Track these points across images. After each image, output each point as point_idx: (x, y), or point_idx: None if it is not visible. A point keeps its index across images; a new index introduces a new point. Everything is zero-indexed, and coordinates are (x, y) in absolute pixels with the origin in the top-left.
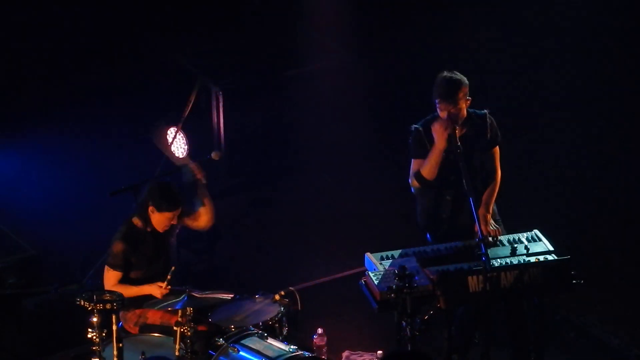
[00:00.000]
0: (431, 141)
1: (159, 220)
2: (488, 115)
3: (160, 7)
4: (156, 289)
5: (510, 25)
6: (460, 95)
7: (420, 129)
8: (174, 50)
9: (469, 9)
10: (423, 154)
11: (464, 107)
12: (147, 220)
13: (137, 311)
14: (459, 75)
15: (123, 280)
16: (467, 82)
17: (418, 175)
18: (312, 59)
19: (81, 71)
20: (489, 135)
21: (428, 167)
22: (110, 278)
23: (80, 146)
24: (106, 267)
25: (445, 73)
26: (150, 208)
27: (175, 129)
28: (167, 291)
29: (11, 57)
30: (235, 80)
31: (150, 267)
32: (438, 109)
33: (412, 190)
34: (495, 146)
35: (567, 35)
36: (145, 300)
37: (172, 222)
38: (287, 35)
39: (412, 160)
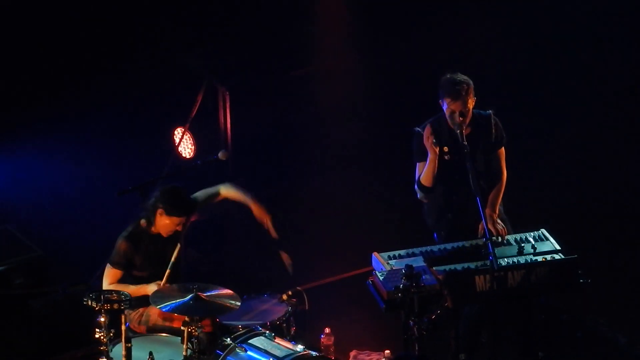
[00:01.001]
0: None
1: (165, 224)
2: (492, 116)
3: (167, 7)
4: (154, 288)
5: (515, 25)
6: (470, 95)
7: (422, 132)
8: (181, 50)
9: (473, 10)
10: (425, 158)
11: (471, 106)
12: (151, 222)
13: (140, 310)
14: (463, 76)
15: (124, 279)
16: (471, 82)
17: (420, 185)
18: (318, 59)
19: (88, 71)
20: (493, 136)
21: (424, 175)
22: (110, 276)
23: (88, 146)
24: (107, 265)
25: (449, 74)
26: (160, 211)
27: (183, 129)
28: (165, 288)
29: (17, 57)
30: (242, 80)
31: (155, 269)
32: (446, 109)
33: (418, 196)
34: (501, 147)
35: (572, 33)
36: (146, 299)
37: (177, 228)
38: (294, 36)
39: (417, 164)
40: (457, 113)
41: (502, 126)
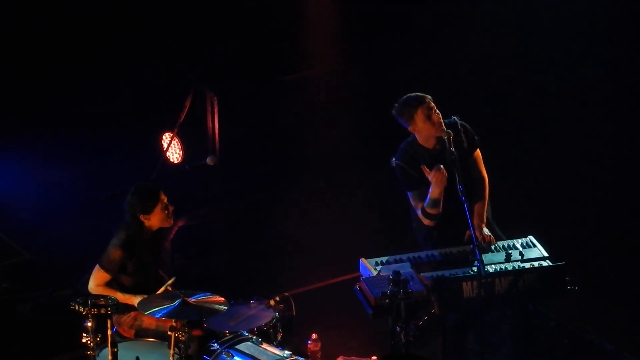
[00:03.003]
0: (415, 169)
1: (157, 218)
2: (458, 122)
3: (157, 12)
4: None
5: (504, 28)
6: (433, 102)
7: (401, 163)
8: (170, 55)
9: (464, 14)
10: (415, 185)
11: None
12: (143, 229)
13: (133, 314)
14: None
15: (110, 284)
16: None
17: (426, 213)
18: (307, 65)
19: (76, 76)
20: (465, 142)
21: (431, 206)
22: (98, 277)
23: (75, 151)
24: (97, 266)
25: (402, 98)
26: (142, 216)
27: (171, 134)
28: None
29: (7, 62)
30: (231, 85)
31: (146, 275)
32: (418, 122)
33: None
34: (475, 149)
35: (561, 36)
36: (131, 308)
37: (170, 208)
38: (283, 41)
39: (408, 193)
40: (436, 120)
41: (472, 128)
